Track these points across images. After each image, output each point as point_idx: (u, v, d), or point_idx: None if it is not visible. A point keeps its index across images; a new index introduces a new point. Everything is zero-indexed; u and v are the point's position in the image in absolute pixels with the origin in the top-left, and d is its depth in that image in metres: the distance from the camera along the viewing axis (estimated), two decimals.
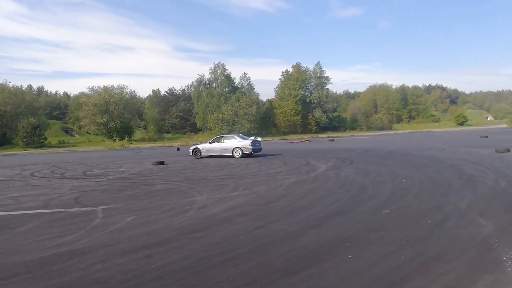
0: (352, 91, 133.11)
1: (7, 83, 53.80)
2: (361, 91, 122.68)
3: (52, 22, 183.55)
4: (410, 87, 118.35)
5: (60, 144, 51.84)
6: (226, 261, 4.70)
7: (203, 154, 21.74)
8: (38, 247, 5.53)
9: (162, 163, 18.39)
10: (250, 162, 18.05)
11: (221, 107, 64.70)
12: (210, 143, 22.13)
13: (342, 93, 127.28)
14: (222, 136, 22.95)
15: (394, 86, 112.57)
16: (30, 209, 8.55)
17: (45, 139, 50.21)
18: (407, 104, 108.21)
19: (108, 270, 4.51)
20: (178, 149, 33.91)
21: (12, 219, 7.57)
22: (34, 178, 14.89)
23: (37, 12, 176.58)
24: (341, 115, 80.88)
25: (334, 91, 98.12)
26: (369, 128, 78.80)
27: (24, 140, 46.27)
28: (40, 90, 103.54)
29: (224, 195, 9.38)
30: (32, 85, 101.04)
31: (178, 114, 77.29)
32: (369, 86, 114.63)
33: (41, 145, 46.79)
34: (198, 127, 71.73)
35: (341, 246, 5.14)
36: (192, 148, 22.69)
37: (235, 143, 21.02)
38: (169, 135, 70.41)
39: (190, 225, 6.55)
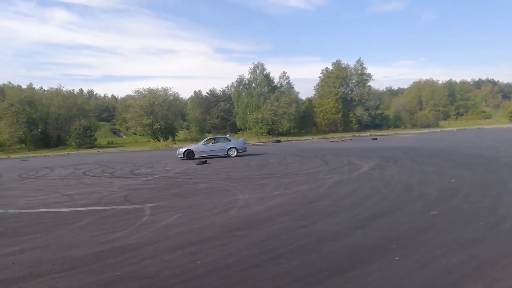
0: (395, 87, 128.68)
1: (61, 87, 57.28)
2: (405, 87, 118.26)
3: (100, 29, 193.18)
4: (457, 82, 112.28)
5: (109, 145, 54.43)
6: (269, 259, 4.74)
7: (197, 156, 22.21)
8: (92, 242, 5.87)
9: (204, 162, 18.79)
10: (291, 161, 18.00)
11: (261, 107, 64.91)
12: (203, 144, 23.23)
13: (385, 90, 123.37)
14: (214, 138, 24.34)
15: (440, 82, 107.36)
16: (83, 206, 9.07)
17: (95, 140, 52.91)
18: (454, 100, 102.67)
19: (157, 265, 4.70)
20: None
21: (68, 215, 8.07)
22: (86, 177, 15.76)
23: (87, 20, 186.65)
24: (384, 113, 78.21)
25: (376, 88, 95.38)
26: (414, 126, 75.65)
27: (77, 141, 49.03)
28: (90, 93, 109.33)
29: (265, 194, 9.43)
30: (83, 89, 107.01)
31: (218, 115, 78.55)
32: (414, 82, 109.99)
33: (92, 146, 49.38)
34: (238, 127, 72.43)
35: (388, 247, 5.01)
36: (183, 150, 22.95)
37: (230, 143, 23.12)
38: (210, 135, 71.73)
39: (233, 223, 6.66)
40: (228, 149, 22.70)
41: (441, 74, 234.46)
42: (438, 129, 67.03)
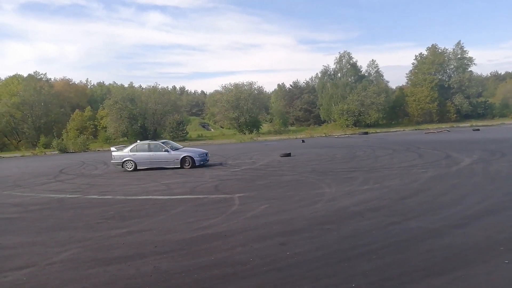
0: (502, 72, 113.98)
1: (157, 85, 62.50)
2: None
3: (191, 28, 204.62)
4: None
5: (199, 138, 57.88)
6: (360, 255, 4.61)
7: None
8: (188, 228, 6.32)
9: (288, 154, 18.89)
10: (380, 154, 17.17)
11: (346, 97, 62.90)
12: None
13: (490, 75, 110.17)
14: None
15: None
16: (179, 194, 9.81)
17: (187, 133, 56.74)
18: None
19: (248, 253, 4.89)
20: (303, 141, 34.34)
21: (166, 202, 8.81)
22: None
23: (178, 21, 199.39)
24: (487, 101, 69.72)
25: (480, 73, 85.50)
26: None
27: (171, 134, 53.07)
28: (182, 90, 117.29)
29: (354, 188, 9.15)
30: (176, 86, 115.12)
31: (302, 107, 78.03)
32: None
33: (184, 139, 52.99)
34: (322, 118, 71.15)
35: (494, 249, 4.52)
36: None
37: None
38: (293, 128, 71.76)
39: (321, 217, 6.60)
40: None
41: None
42: None
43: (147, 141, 18.85)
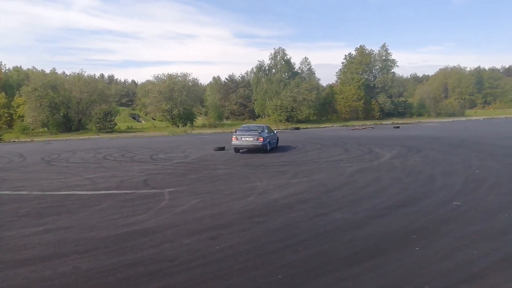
0: (420, 74, 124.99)
1: (83, 72, 58.24)
2: (431, 74, 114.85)
3: (123, 14, 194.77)
4: (486, 69, 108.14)
5: (128, 130, 55.31)
6: (287, 246, 4.73)
7: None
8: (113, 225, 5.99)
9: (222, 148, 18.84)
10: (310, 149, 17.87)
11: (280, 93, 64.39)
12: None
13: (410, 76, 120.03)
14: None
15: (468, 69, 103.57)
16: (104, 189, 9.26)
17: (115, 124, 53.82)
18: (482, 88, 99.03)
19: (176, 249, 4.77)
20: None
21: (90, 198, 8.26)
22: (107, 161, 16.08)
23: (109, 5, 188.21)
24: (407, 100, 76.11)
25: (401, 75, 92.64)
26: (439, 114, 73.49)
27: (97, 125, 49.98)
28: (111, 78, 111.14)
29: (284, 181, 9.40)
30: (104, 74, 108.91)
31: (237, 101, 78.35)
32: (440, 69, 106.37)
33: (112, 130, 50.27)
34: (257, 113, 72.14)
35: (408, 238, 4.93)
36: None
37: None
38: (228, 121, 71.81)
39: (251, 210, 6.67)
40: None
41: (469, 61, 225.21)
42: (463, 118, 65.11)
43: None
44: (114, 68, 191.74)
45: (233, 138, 16.75)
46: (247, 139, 16.34)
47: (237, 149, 16.91)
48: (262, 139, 16.08)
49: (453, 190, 7.63)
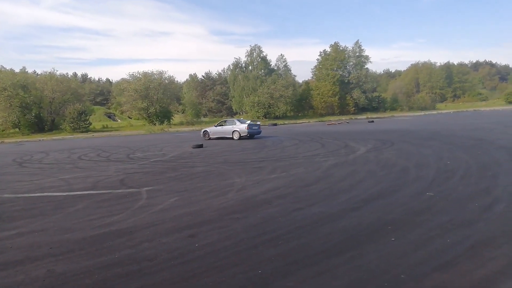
0: (393, 70, 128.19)
1: (55, 71, 56.51)
2: (403, 70, 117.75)
3: (93, 11, 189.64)
4: (455, 64, 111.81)
5: (104, 129, 54.17)
6: (266, 241, 4.76)
7: (211, 136, 24.37)
8: (88, 226, 5.86)
9: (200, 146, 18.75)
10: (287, 144, 18.00)
11: (257, 90, 64.50)
12: (215, 126, 24.77)
13: (383, 72, 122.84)
14: (226, 120, 25.91)
15: (438, 64, 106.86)
16: (79, 190, 9.04)
17: (90, 124, 52.61)
18: (452, 83, 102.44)
19: (155, 248, 4.72)
20: None
21: (64, 200, 8.05)
22: (82, 161, 15.70)
23: (79, 2, 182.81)
24: (381, 95, 77.82)
25: (374, 71, 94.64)
26: (411, 109, 75.61)
27: (71, 125, 48.71)
28: (84, 77, 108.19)
29: (262, 177, 9.44)
30: (77, 72, 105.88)
31: (214, 98, 78.03)
32: (411, 65, 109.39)
33: (87, 130, 49.12)
34: (234, 110, 72.15)
35: (383, 229, 5.04)
36: (202, 130, 25.62)
37: (235, 126, 23.39)
38: (206, 119, 71.42)
39: (230, 206, 6.67)
40: (233, 132, 23.27)
41: (440, 56, 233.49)
42: (434, 112, 67.20)
43: None
44: (87, 66, 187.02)
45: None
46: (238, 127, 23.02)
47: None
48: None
49: (426, 181, 7.86)
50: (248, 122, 23.85)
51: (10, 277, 4.05)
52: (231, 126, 23.58)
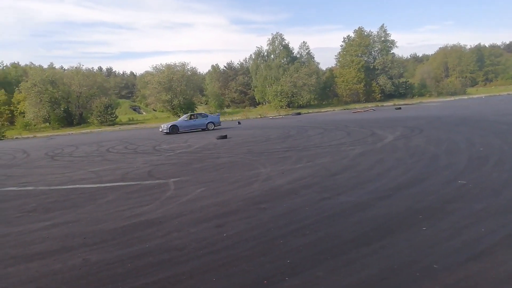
0: (420, 54, 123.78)
1: (81, 66, 57.97)
2: (430, 54, 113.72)
3: (115, 5, 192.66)
4: (487, 46, 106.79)
5: (130, 122, 55.35)
6: (294, 231, 4.75)
7: (180, 130, 26.29)
8: (119, 217, 6.03)
9: (225, 137, 18.85)
10: (312, 134, 17.84)
11: (280, 79, 63.97)
12: (185, 120, 27.71)
13: (409, 57, 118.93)
14: (193, 114, 29.98)
15: (468, 47, 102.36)
16: (109, 182, 9.30)
17: (116, 117, 53.89)
18: (483, 66, 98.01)
19: (184, 238, 4.79)
20: (239, 123, 34.49)
21: (95, 191, 8.31)
22: (110, 153, 16.12)
23: None
24: (408, 81, 75.33)
25: (400, 55, 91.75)
26: (440, 94, 72.92)
27: (98, 118, 50.02)
28: (109, 71, 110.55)
29: (288, 167, 9.39)
30: (102, 66, 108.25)
31: (237, 88, 77.84)
32: (440, 48, 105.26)
33: (113, 123, 50.33)
34: (257, 100, 71.76)
35: (414, 218, 4.93)
36: (169, 125, 26.95)
37: (208, 118, 27.76)
38: (229, 110, 71.52)
39: (256, 196, 6.69)
40: (207, 124, 27.05)
41: (469, 39, 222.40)
42: (465, 97, 64.69)
43: None
44: (111, 60, 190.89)
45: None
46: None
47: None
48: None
49: (458, 169, 7.61)
50: (217, 114, 29.70)
51: (49, 266, 4.22)
52: (203, 118, 27.95)
